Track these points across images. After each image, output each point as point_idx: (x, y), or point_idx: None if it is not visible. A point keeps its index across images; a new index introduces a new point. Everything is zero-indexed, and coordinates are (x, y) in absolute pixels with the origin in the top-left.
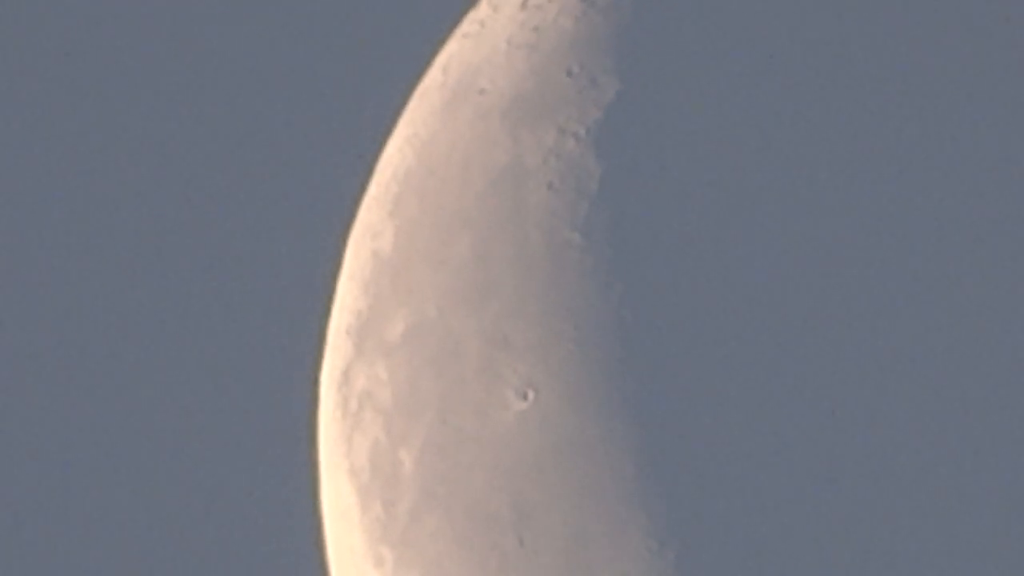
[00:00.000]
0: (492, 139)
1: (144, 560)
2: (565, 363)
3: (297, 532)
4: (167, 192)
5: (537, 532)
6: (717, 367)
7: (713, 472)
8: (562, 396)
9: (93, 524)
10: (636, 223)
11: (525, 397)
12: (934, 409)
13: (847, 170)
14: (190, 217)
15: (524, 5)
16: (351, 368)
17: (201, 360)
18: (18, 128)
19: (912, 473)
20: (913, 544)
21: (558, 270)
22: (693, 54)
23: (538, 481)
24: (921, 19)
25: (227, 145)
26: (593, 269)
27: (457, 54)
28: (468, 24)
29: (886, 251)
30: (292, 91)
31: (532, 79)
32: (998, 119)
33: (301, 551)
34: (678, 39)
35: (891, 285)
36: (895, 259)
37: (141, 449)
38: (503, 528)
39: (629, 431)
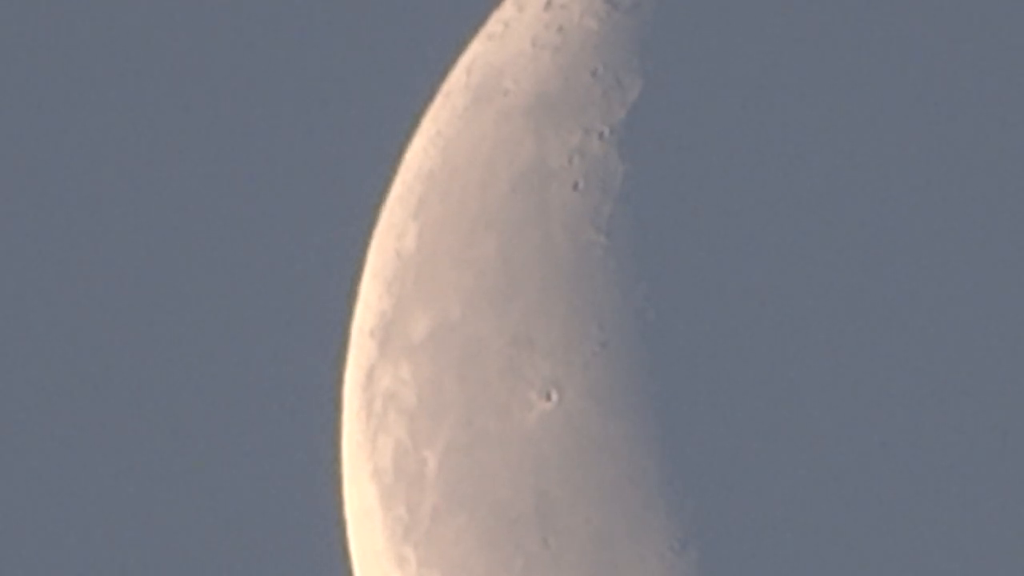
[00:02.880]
0: (516, 139)
1: (168, 560)
2: (589, 363)
3: (321, 533)
4: (192, 193)
5: (561, 532)
6: (741, 367)
7: (736, 472)
8: (586, 396)
9: (117, 523)
10: (660, 223)
11: (549, 397)
12: (968, 410)
13: (873, 169)
14: (215, 218)
15: (549, 5)
16: (375, 369)
17: (225, 361)
18: (47, 128)
19: (939, 473)
20: (938, 541)
21: (582, 270)
22: (716, 54)
23: (562, 481)
24: (949, 19)
25: (252, 145)
26: (617, 269)
27: (482, 54)
28: (493, 24)
29: (918, 243)
30: (317, 91)
31: (556, 79)
32: (1008, 121)
33: (325, 552)
34: (702, 39)
35: (929, 278)
36: (934, 252)
37: (165, 449)
38: (527, 528)
39: (652, 431)
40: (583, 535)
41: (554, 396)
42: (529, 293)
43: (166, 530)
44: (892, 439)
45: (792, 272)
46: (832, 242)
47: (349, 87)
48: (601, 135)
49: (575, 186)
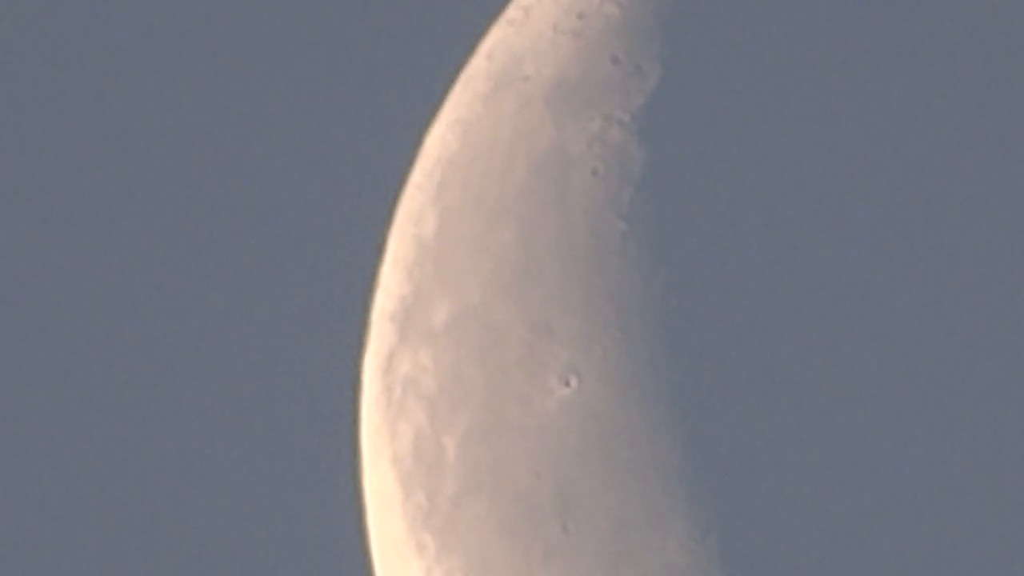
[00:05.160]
0: (536, 126)
1: (189, 546)
2: (608, 350)
3: (340, 519)
4: (214, 181)
5: (580, 519)
6: (761, 354)
7: (756, 460)
8: (605, 383)
9: (136, 513)
10: (680, 210)
11: (568, 384)
12: (981, 404)
13: (894, 154)
14: (235, 205)
15: None
16: (395, 355)
17: (245, 347)
18: (63, 127)
19: (956, 465)
20: (954, 533)
21: (602, 257)
22: (736, 40)
23: (581, 468)
24: (961, 7)
25: (273, 132)
26: (637, 256)
27: (502, 40)
28: (513, 10)
29: (934, 232)
30: (338, 77)
31: (577, 66)
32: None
33: (344, 538)
34: (722, 26)
35: (943, 271)
36: (946, 243)
37: (185, 436)
38: (546, 515)
39: (672, 418)
40: (603, 522)
41: (573, 383)
42: (549, 279)
43: (186, 516)
44: (915, 428)
45: (813, 258)
46: (853, 227)
47: (370, 73)
48: (621, 122)
49: (595, 172)
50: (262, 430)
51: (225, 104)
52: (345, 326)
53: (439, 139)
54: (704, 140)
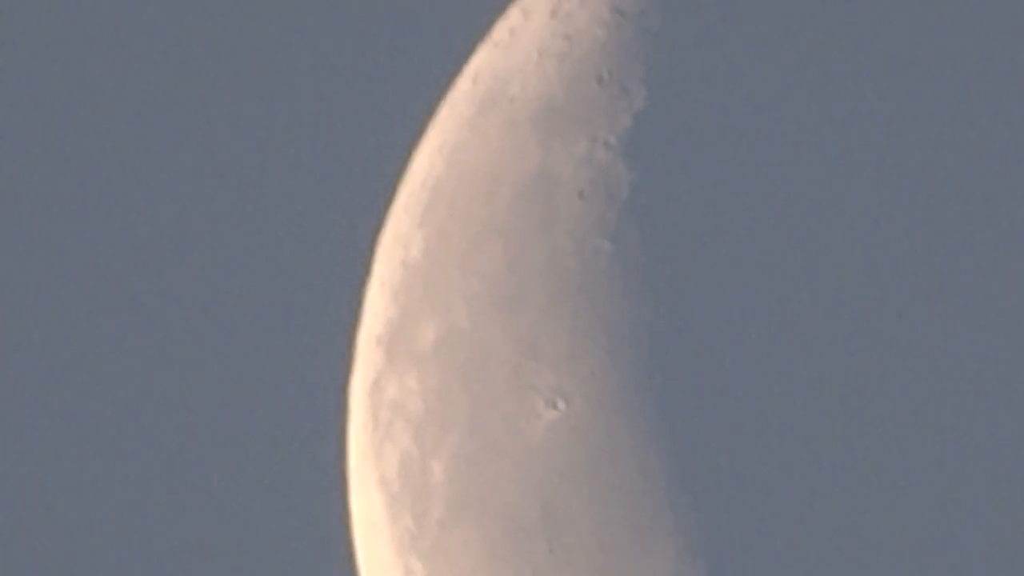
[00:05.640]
0: (522, 147)
1: (174, 569)
2: (595, 372)
3: (327, 542)
4: (198, 202)
5: (567, 541)
6: (748, 376)
7: (742, 481)
8: (592, 405)
9: (122, 532)
10: (667, 231)
11: (555, 406)
12: (972, 412)
13: (879, 178)
14: (220, 226)
15: (555, 13)
16: (382, 378)
17: (232, 369)
18: (54, 130)
19: (946, 476)
20: (945, 546)
21: (589, 278)
22: (722, 62)
23: (568, 490)
24: (947, 22)
25: (258, 154)
26: (624, 277)
27: (488, 62)
28: (499, 32)
29: (920, 255)
30: (322, 100)
31: (562, 87)
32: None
33: (331, 561)
34: (708, 47)
35: (928, 289)
36: (934, 263)
37: (171, 458)
38: (534, 537)
39: (659, 440)
40: (590, 545)
41: (561, 405)
42: (536, 302)
43: (172, 539)
44: (901, 450)
45: (799, 280)
46: (841, 251)
47: (355, 95)
48: (607, 143)
49: (581, 194)
50: (249, 454)
51: (211, 127)
52: (332, 349)
53: (425, 161)
54: (690, 161)
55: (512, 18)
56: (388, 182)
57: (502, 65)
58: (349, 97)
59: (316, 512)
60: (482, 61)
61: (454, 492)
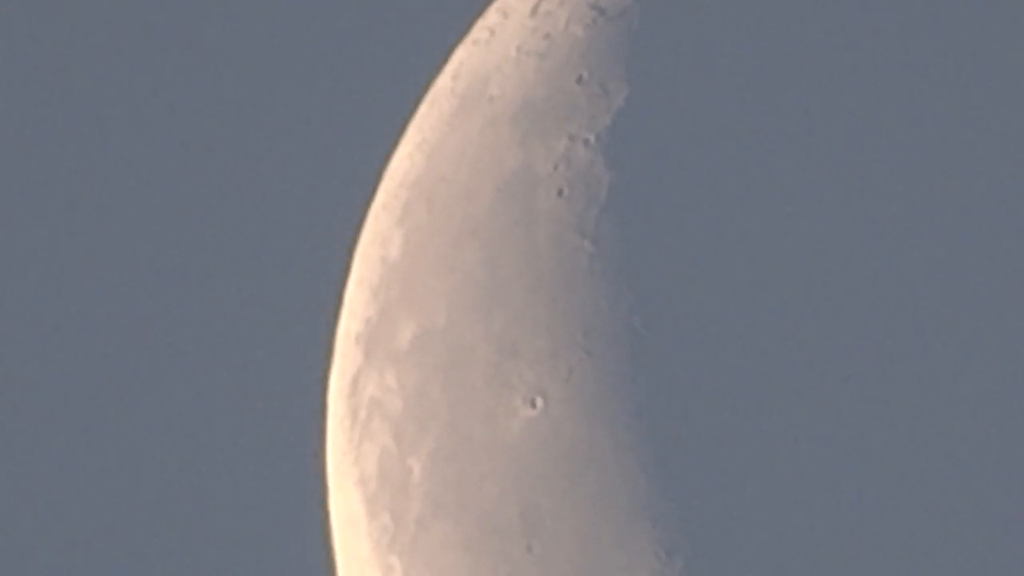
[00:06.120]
0: (502, 146)
1: (152, 567)
2: (575, 371)
3: (305, 541)
4: (176, 199)
5: (546, 540)
6: (728, 375)
7: (723, 480)
8: (571, 404)
9: (102, 530)
10: (646, 230)
11: (534, 405)
12: (954, 415)
13: (860, 177)
14: (199, 224)
15: (534, 12)
16: (360, 376)
17: (209, 367)
18: (43, 129)
19: (929, 477)
20: (928, 548)
21: (568, 277)
22: (703, 61)
23: (547, 489)
24: (927, 21)
25: (236, 152)
26: (603, 276)
27: (467, 61)
28: (478, 31)
29: (902, 254)
30: (301, 98)
31: (542, 86)
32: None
33: (309, 560)
34: (688, 46)
35: (910, 289)
36: (913, 262)
37: (149, 455)
38: (512, 536)
39: (638, 439)
40: (568, 543)
41: (539, 403)
42: (514, 300)
43: (149, 538)
44: (886, 448)
45: (779, 279)
46: (820, 249)
47: (334, 94)
48: (587, 142)
49: (560, 193)
50: (227, 452)
51: (190, 126)
52: (310, 347)
53: (405, 160)
54: (670, 160)
55: (491, 17)
56: (368, 180)
57: (481, 64)
58: (328, 95)
59: (294, 509)
60: (461, 60)
61: (432, 490)
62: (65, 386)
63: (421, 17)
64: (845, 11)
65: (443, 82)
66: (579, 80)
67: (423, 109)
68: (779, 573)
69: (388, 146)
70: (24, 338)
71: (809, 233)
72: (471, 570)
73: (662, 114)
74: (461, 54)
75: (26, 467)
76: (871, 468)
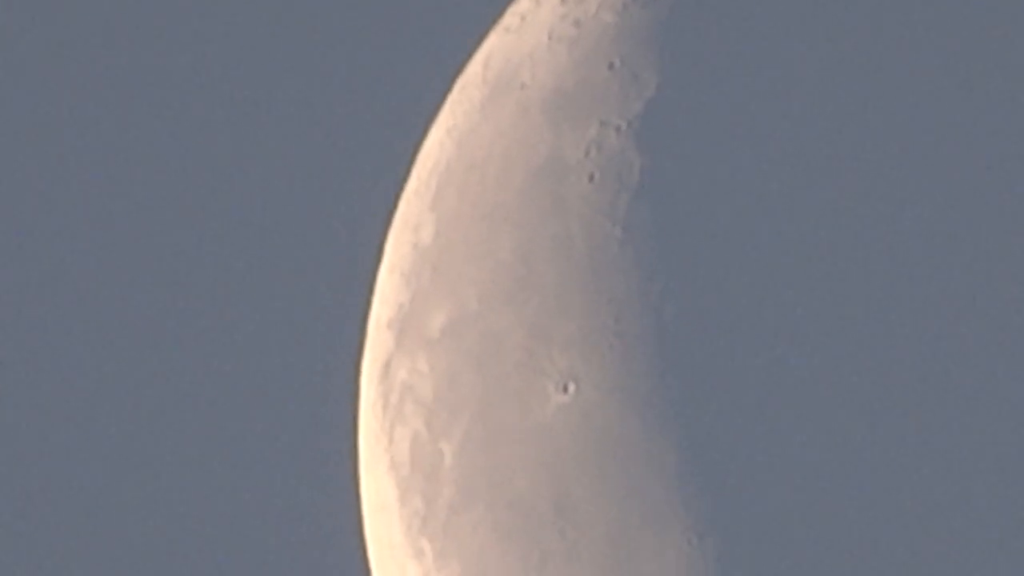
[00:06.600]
0: (533, 133)
1: (187, 553)
2: (606, 356)
3: (337, 525)
4: (210, 188)
5: (578, 525)
6: (758, 360)
7: (753, 464)
8: (602, 389)
9: (136, 517)
10: (677, 216)
11: (566, 390)
12: (982, 406)
13: (894, 161)
14: (232, 212)
15: None
16: (392, 361)
17: (243, 354)
18: (71, 130)
19: (957, 469)
20: (953, 537)
21: (598, 263)
22: (733, 47)
23: (579, 474)
24: (959, 9)
25: (270, 139)
26: (634, 262)
27: (498, 48)
28: (509, 17)
29: (933, 239)
30: (335, 85)
31: (573, 73)
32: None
33: (341, 544)
34: (719, 32)
35: (941, 275)
36: (944, 247)
37: (182, 443)
38: (544, 521)
39: (669, 423)
40: (600, 527)
41: (571, 389)
42: (546, 286)
43: (184, 522)
44: (913, 431)
45: (811, 263)
46: (851, 236)
47: (367, 81)
48: (618, 128)
49: (591, 179)
50: (260, 437)
51: (221, 112)
52: (343, 333)
53: (436, 146)
54: (701, 146)
55: (523, 4)
56: (399, 167)
57: (513, 51)
58: (361, 82)
59: (326, 495)
60: (493, 47)
61: (464, 475)
62: (106, 380)
63: (453, 4)
64: (880, 1)
65: (474, 69)
66: (610, 67)
67: (454, 96)
68: (810, 556)
69: (420, 133)
70: (64, 321)
71: (842, 220)
72: (502, 554)
73: (693, 100)
74: (492, 41)
75: (75, 445)
76: (907, 455)
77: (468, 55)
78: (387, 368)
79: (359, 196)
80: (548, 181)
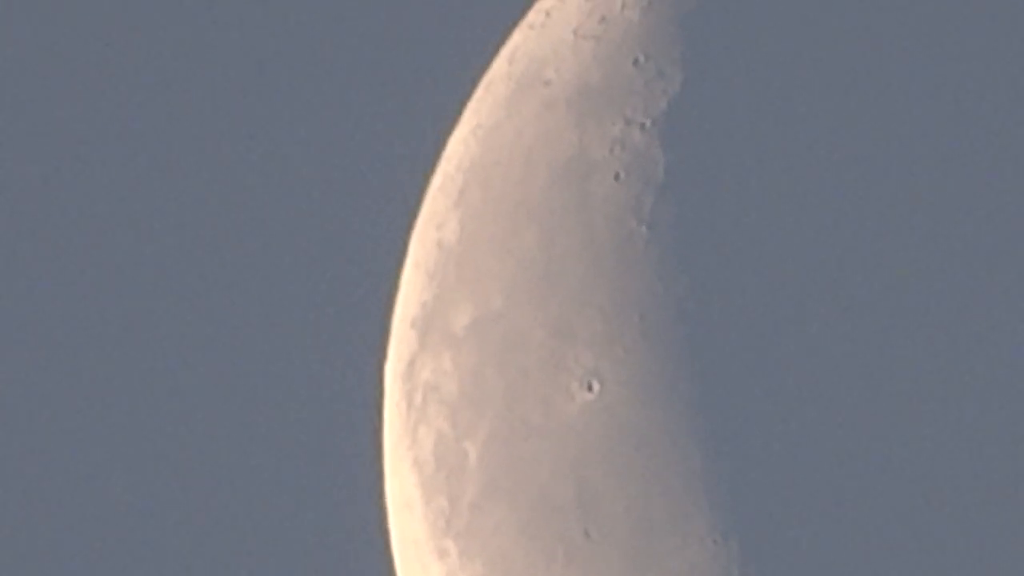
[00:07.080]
0: (558, 130)
1: (211, 549)
2: (630, 354)
3: (362, 523)
4: (236, 185)
5: (602, 523)
6: (782, 358)
7: (777, 462)
8: (627, 387)
9: (160, 517)
10: (701, 214)
11: (590, 388)
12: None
13: (918, 160)
14: (257, 209)
15: None
16: (416, 360)
17: (268, 353)
18: (91, 128)
19: (978, 467)
20: (978, 535)
21: (623, 261)
22: (758, 44)
23: (603, 472)
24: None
25: (295, 136)
26: (658, 260)
27: (523, 44)
28: (534, 14)
29: (954, 238)
30: (360, 82)
31: (598, 70)
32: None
33: (366, 542)
34: (743, 29)
35: (962, 274)
36: (965, 247)
37: (207, 440)
38: (568, 519)
39: (693, 422)
40: (624, 525)
41: (595, 387)
42: (570, 284)
43: (209, 523)
44: (942, 430)
45: (835, 261)
46: (876, 231)
47: (392, 78)
48: (643, 126)
49: (616, 177)
50: (284, 436)
51: (247, 112)
52: (367, 331)
53: (461, 144)
54: (725, 144)
55: (548, 0)
56: (424, 164)
57: (537, 47)
58: (386, 79)
59: (351, 493)
60: (518, 43)
61: (488, 474)
62: (129, 381)
63: (478, 1)
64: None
65: (499, 65)
66: (635, 63)
67: (479, 93)
68: (833, 555)
69: (445, 129)
70: (86, 322)
71: (866, 215)
72: (526, 553)
73: (718, 98)
74: (517, 38)
75: (99, 447)
76: (936, 455)
77: (493, 52)
78: (411, 367)
79: (384, 193)
80: (573, 179)
